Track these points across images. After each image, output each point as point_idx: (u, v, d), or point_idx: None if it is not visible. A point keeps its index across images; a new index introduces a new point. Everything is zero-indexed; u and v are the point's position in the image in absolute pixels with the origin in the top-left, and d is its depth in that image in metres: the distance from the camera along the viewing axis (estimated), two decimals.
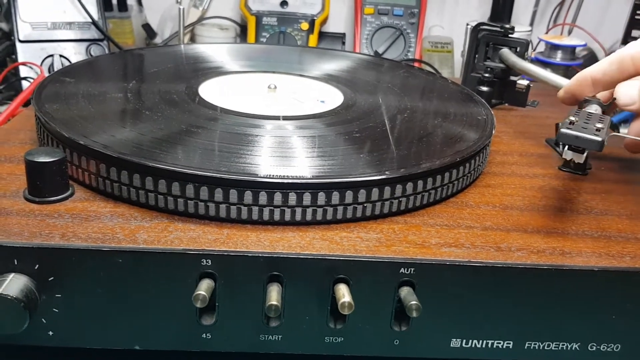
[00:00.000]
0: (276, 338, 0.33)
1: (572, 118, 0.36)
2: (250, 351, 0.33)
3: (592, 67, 0.43)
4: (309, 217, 0.34)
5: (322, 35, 0.96)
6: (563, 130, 0.33)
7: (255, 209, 0.33)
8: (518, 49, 0.59)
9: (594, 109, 0.41)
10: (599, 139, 0.33)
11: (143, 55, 0.60)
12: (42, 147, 0.36)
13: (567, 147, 0.35)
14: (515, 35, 0.61)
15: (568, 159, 0.35)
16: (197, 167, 0.33)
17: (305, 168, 0.36)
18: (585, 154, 0.35)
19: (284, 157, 0.37)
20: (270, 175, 0.33)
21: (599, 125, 0.35)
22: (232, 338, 0.32)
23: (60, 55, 0.78)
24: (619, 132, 0.54)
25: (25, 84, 0.75)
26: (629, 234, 0.36)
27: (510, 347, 0.34)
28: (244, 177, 0.33)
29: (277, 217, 0.33)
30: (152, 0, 0.99)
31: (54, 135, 0.37)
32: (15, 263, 0.30)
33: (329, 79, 0.55)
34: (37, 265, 0.30)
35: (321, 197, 0.33)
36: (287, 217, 0.33)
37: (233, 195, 0.33)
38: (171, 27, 0.99)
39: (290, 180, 0.33)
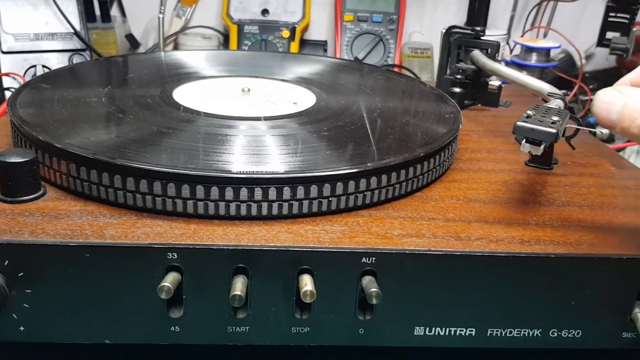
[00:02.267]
0: (243, 330, 0.33)
1: (529, 112, 0.37)
2: (218, 343, 0.34)
3: (632, 72, 0.36)
4: (274, 211, 0.35)
5: (304, 43, 0.97)
6: (518, 123, 0.34)
7: (222, 204, 0.34)
8: (489, 51, 0.61)
9: (555, 104, 0.42)
10: (554, 130, 0.34)
11: (122, 62, 0.61)
12: (13, 149, 0.37)
13: (524, 140, 0.36)
14: (490, 38, 0.62)
15: (525, 152, 0.36)
16: (164, 165, 0.34)
17: (271, 164, 0.37)
18: (542, 147, 0.36)
19: (251, 154, 0.38)
20: (236, 171, 0.34)
21: (555, 118, 0.36)
22: (200, 330, 0.33)
23: (43, 66, 0.79)
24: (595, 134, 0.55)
25: (8, 95, 0.76)
26: (589, 223, 0.37)
27: (473, 334, 0.35)
28: (210, 173, 0.34)
29: (243, 212, 0.34)
30: (135, 10, 1.00)
31: (27, 137, 0.38)
32: None
33: (303, 82, 0.56)
34: (7, 262, 0.31)
35: (286, 192, 0.34)
36: (254, 212, 0.34)
37: (200, 191, 0.34)
38: (154, 37, 1.01)
39: (255, 176, 0.34)
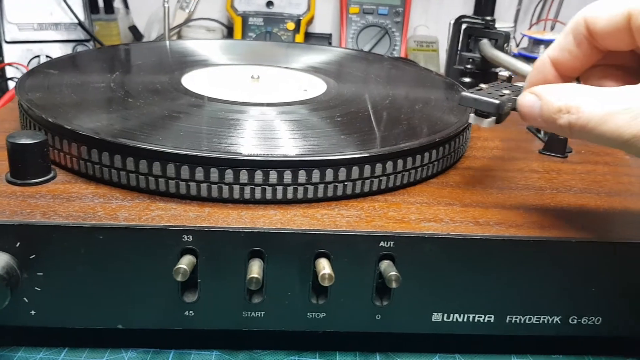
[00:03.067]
0: (259, 315, 0.33)
1: (482, 85, 0.35)
2: (233, 328, 0.33)
3: (549, 47, 0.34)
4: (290, 195, 0.34)
5: (309, 36, 0.97)
6: (463, 93, 0.33)
7: (236, 187, 0.33)
8: (497, 41, 0.60)
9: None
10: (496, 101, 0.32)
11: (128, 50, 0.60)
12: (24, 131, 0.36)
13: (472, 112, 0.34)
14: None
15: (473, 123, 0.34)
16: (178, 147, 0.33)
17: (286, 147, 0.36)
18: (489, 120, 0.34)
19: (265, 138, 0.37)
20: (251, 153, 0.34)
21: (506, 92, 0.34)
22: (215, 315, 0.33)
23: (47, 56, 0.78)
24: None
25: (11, 85, 0.75)
26: (607, 210, 0.37)
27: (492, 320, 0.34)
28: (225, 156, 0.33)
29: (258, 195, 0.34)
30: (139, 2, 1.00)
31: (36, 120, 0.37)
32: None
33: (313, 70, 0.55)
34: (19, 243, 0.30)
35: (302, 175, 0.34)
36: (269, 195, 0.34)
37: (214, 174, 0.33)
38: (158, 29, 1.00)
39: (271, 158, 0.33)
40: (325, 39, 0.98)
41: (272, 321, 0.33)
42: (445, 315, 0.34)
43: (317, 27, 1.01)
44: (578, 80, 0.34)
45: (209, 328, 0.33)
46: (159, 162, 0.33)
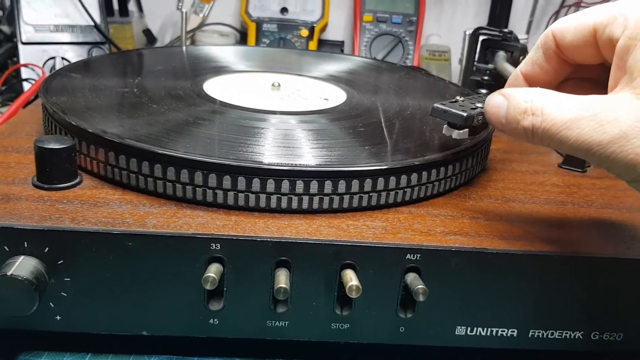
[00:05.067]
0: (283, 324, 0.33)
1: (458, 97, 0.37)
2: (257, 337, 0.33)
3: (522, 62, 0.35)
4: (315, 205, 0.34)
5: (321, 43, 0.97)
6: (435, 104, 0.35)
7: (262, 196, 0.33)
8: (513, 54, 0.60)
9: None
10: (464, 114, 0.34)
11: (147, 55, 0.60)
12: (51, 135, 0.36)
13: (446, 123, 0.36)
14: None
15: (447, 135, 0.36)
16: (207, 155, 0.33)
17: (312, 157, 0.36)
18: (460, 132, 0.36)
19: (291, 147, 0.38)
20: (278, 163, 0.34)
21: (479, 105, 0.36)
22: (239, 324, 0.33)
23: (62, 58, 0.78)
24: None
25: (26, 86, 0.76)
26: (629, 226, 0.37)
27: (515, 335, 0.34)
28: (252, 165, 0.33)
29: (284, 204, 0.34)
30: (153, 6, 1.00)
31: (62, 124, 0.38)
32: (25, 245, 0.30)
33: (331, 79, 0.55)
34: (47, 248, 0.30)
35: (328, 186, 0.34)
36: (294, 205, 0.34)
37: (241, 182, 0.33)
38: (171, 32, 1.00)
39: (298, 168, 0.33)
40: (337, 46, 0.99)
41: (296, 331, 0.33)
42: (469, 328, 0.34)
43: (330, 35, 1.02)
44: None
45: (233, 336, 0.33)
46: (187, 170, 0.33)
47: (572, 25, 0.30)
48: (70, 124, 0.36)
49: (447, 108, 0.35)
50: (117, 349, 0.34)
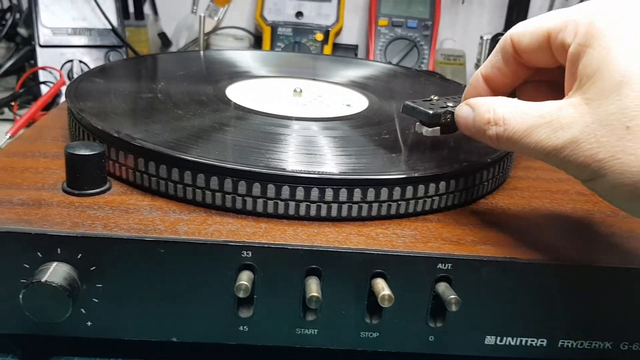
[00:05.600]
0: (312, 332, 0.33)
1: (432, 96, 0.38)
2: (286, 345, 0.33)
3: (482, 65, 0.35)
4: (344, 213, 0.34)
5: (335, 47, 0.97)
6: (406, 102, 0.36)
7: (292, 204, 0.33)
8: None
9: None
10: (429, 111, 0.35)
11: (168, 60, 0.61)
12: (81, 141, 0.36)
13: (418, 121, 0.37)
14: None
15: (419, 132, 0.37)
16: (237, 162, 0.33)
17: (340, 165, 0.36)
18: (430, 129, 0.36)
19: (318, 154, 0.38)
20: (307, 170, 0.34)
21: (450, 104, 0.36)
22: (269, 331, 0.33)
23: (80, 61, 0.79)
24: None
25: (44, 89, 0.76)
26: None
27: (544, 345, 0.34)
28: (282, 172, 0.33)
29: (313, 212, 0.34)
30: (168, 9, 1.01)
31: (90, 130, 0.38)
32: (58, 252, 0.30)
33: (352, 84, 0.55)
34: (80, 255, 0.30)
35: (357, 194, 0.34)
36: (323, 212, 0.34)
37: (271, 190, 0.33)
38: (186, 36, 1.01)
39: (327, 176, 0.33)
40: (351, 50, 0.99)
41: (325, 339, 0.33)
42: (499, 338, 0.34)
43: (344, 39, 1.02)
44: (514, 94, 0.35)
45: (262, 344, 0.33)
46: (217, 177, 0.33)
47: (528, 30, 0.31)
48: (100, 130, 0.36)
49: (415, 106, 0.36)
50: (147, 355, 0.34)
